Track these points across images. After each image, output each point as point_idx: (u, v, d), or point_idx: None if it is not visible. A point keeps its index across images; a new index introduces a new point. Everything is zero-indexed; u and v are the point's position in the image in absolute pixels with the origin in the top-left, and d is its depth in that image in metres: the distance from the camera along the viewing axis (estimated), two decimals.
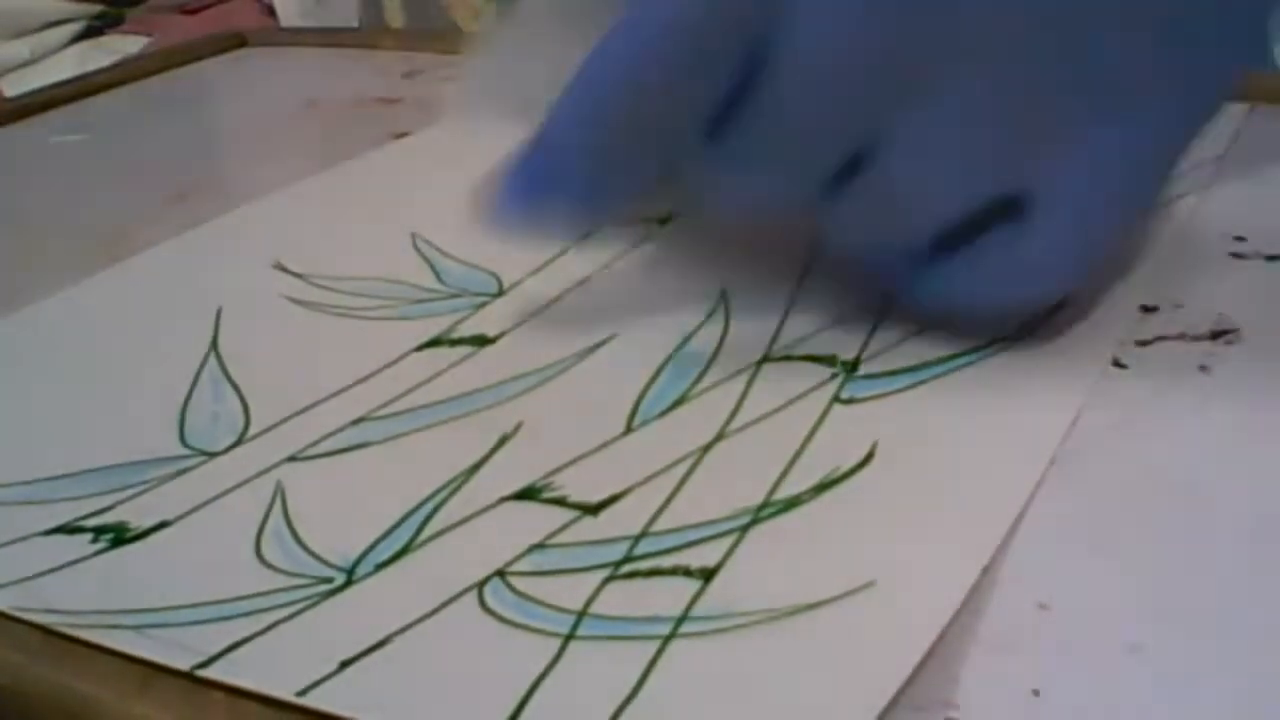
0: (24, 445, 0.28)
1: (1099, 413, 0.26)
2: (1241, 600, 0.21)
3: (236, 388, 0.30)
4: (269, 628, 0.22)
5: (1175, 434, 0.26)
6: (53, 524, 0.25)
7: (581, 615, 0.22)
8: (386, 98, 0.51)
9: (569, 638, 0.21)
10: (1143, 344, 0.29)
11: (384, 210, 0.39)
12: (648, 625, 0.21)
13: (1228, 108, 0.39)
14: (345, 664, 0.21)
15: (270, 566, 0.24)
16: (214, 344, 0.32)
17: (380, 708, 0.20)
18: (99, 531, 0.25)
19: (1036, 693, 0.20)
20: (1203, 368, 0.28)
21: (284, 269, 0.36)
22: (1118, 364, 0.28)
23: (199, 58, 0.59)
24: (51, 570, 0.24)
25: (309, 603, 0.23)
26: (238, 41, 0.61)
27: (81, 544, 0.25)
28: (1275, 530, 0.23)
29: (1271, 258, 0.32)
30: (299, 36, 0.62)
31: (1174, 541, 0.23)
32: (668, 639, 0.21)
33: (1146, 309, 0.30)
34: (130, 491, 0.26)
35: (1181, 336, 0.29)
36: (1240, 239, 0.33)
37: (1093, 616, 0.21)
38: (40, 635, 0.22)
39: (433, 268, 0.35)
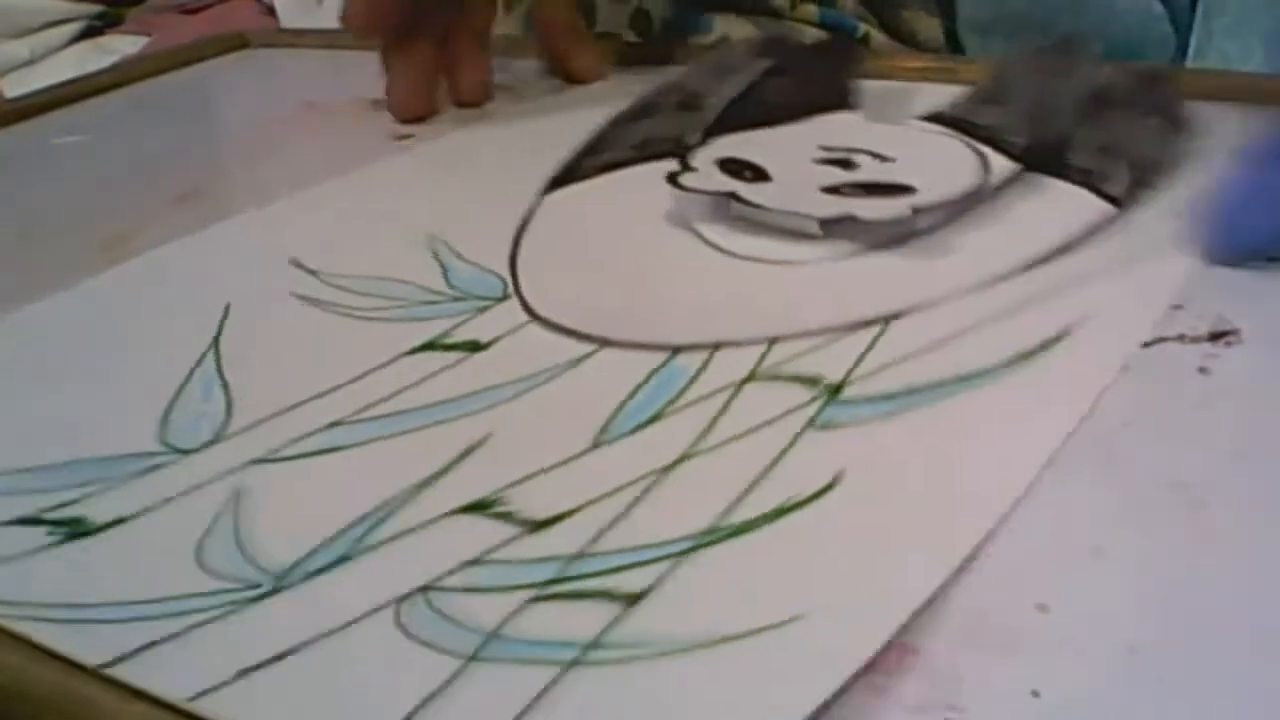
0: (7, 437, 0.29)
1: (1099, 414, 0.26)
2: (1240, 601, 0.21)
3: (226, 386, 0.30)
4: (184, 631, 0.22)
5: (1175, 435, 0.26)
6: (15, 515, 0.25)
7: (491, 636, 0.21)
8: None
9: (470, 659, 0.21)
10: (1143, 345, 0.29)
11: (404, 210, 0.39)
12: (556, 650, 0.21)
13: (1227, 109, 0.39)
14: (243, 672, 0.21)
15: (207, 570, 0.24)
16: (215, 341, 0.32)
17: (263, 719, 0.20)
18: (56, 524, 0.25)
19: (1036, 694, 0.20)
20: (1202, 369, 0.28)
21: (300, 265, 0.36)
22: None
23: (200, 59, 0.59)
24: (4, 560, 0.24)
25: (230, 609, 0.23)
26: (239, 43, 0.61)
27: (38, 536, 0.25)
28: (1274, 532, 0.23)
29: (1272, 258, 0.32)
30: (300, 38, 0.62)
31: (1173, 543, 0.23)
32: (570, 665, 0.21)
33: None
34: (97, 487, 0.26)
35: (1181, 338, 0.29)
36: None
37: (1092, 618, 0.21)
38: None
39: (444, 269, 0.35)
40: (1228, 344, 0.28)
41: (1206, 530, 0.23)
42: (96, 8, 1.08)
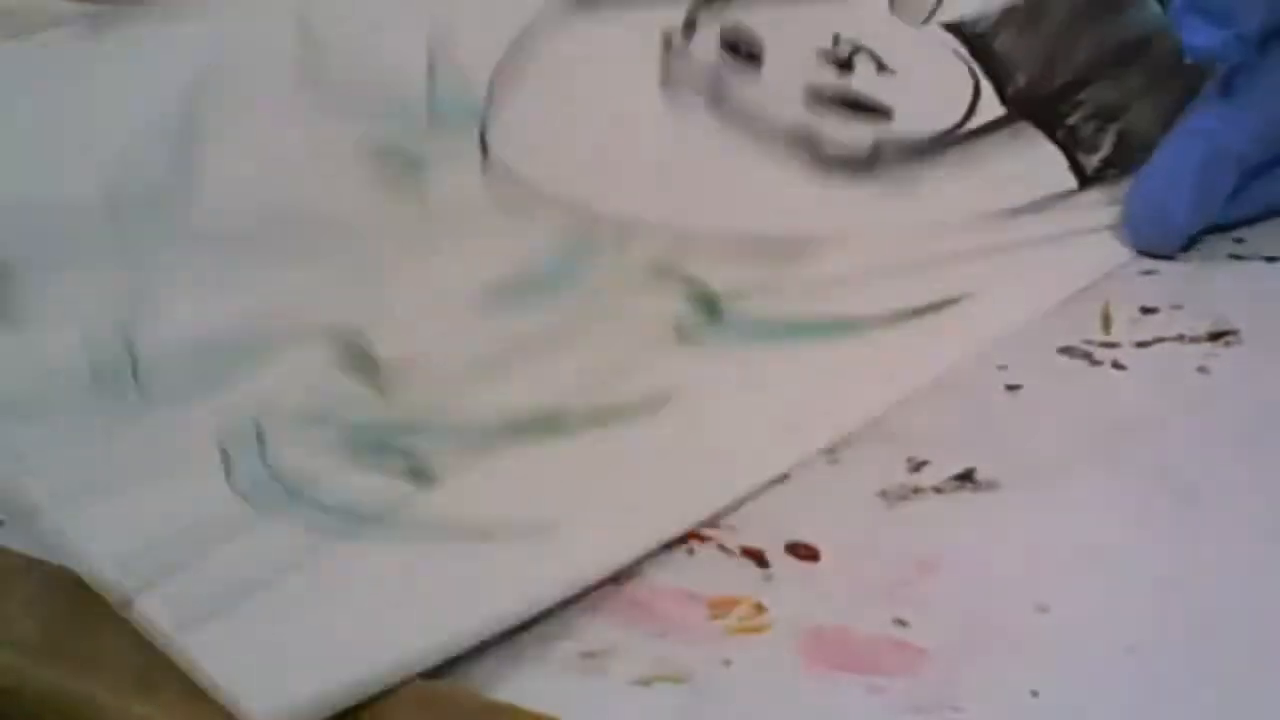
0: None
1: (1098, 413, 0.26)
2: (1239, 602, 0.21)
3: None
4: None
5: (1174, 435, 0.26)
6: None
7: (290, 492, 0.22)
8: None
9: (270, 512, 0.22)
10: (1142, 345, 0.29)
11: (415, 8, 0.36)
12: (342, 519, 0.22)
13: None
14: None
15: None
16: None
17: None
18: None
19: (1035, 693, 0.20)
20: (1201, 369, 0.28)
21: (297, 40, 0.34)
22: (1117, 365, 0.28)
23: None
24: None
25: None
26: None
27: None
28: (1273, 531, 0.23)
29: (1270, 259, 0.32)
30: None
31: (1172, 543, 0.23)
32: (347, 535, 0.21)
33: (1146, 310, 0.30)
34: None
35: (1180, 337, 0.29)
36: (1239, 240, 0.33)
37: (1091, 618, 0.21)
38: (41, 637, 0.22)
39: (432, 80, 0.33)
40: (1227, 344, 0.28)
41: (1206, 530, 0.23)
42: (96, 8, 1.08)
